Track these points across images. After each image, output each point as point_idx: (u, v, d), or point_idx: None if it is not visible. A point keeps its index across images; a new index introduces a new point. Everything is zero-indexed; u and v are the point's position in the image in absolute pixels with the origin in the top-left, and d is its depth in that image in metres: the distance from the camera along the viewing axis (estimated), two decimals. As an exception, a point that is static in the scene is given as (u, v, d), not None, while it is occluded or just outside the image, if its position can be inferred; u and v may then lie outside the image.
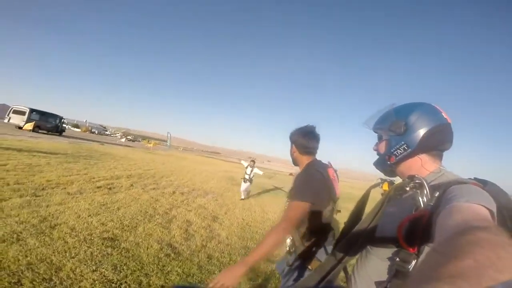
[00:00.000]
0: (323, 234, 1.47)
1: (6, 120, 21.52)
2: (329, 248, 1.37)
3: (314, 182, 1.41)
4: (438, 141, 0.85)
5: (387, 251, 0.77)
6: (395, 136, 0.88)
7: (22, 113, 21.43)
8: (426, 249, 0.68)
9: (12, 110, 21.77)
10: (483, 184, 0.71)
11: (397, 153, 0.88)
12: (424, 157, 0.86)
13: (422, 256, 0.69)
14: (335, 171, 1.61)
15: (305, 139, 1.57)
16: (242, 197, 8.00)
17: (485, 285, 0.26)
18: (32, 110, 21.71)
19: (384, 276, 0.77)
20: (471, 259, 0.29)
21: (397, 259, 0.71)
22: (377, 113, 0.98)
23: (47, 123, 23.18)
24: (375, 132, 1.00)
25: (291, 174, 7.80)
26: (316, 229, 1.44)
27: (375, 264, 0.82)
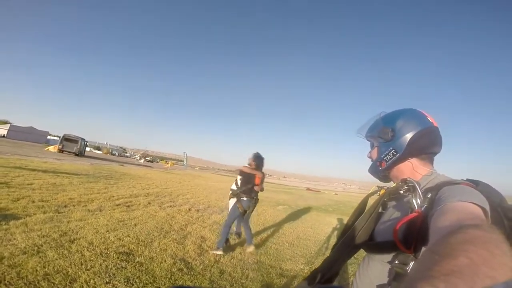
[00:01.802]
0: None
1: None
2: None
3: None
4: (425, 145, 0.87)
5: (387, 255, 0.78)
6: (383, 142, 0.93)
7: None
8: (423, 250, 0.68)
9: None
10: (475, 184, 0.73)
11: (387, 158, 0.91)
12: (414, 161, 0.89)
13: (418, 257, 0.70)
14: None
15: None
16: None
17: (480, 283, 0.26)
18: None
19: (385, 280, 0.78)
20: (465, 257, 0.30)
21: (396, 261, 0.72)
22: (368, 122, 1.03)
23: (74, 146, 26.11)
24: (367, 140, 1.05)
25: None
26: None
27: (376, 268, 0.83)
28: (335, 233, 6.66)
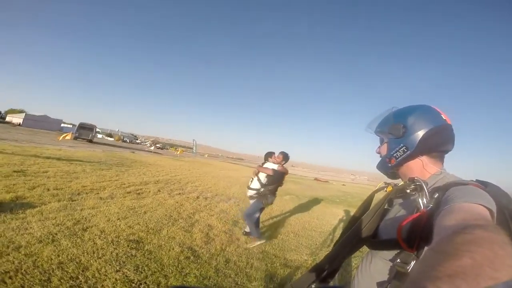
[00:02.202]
0: None
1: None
2: None
3: None
4: (437, 143, 0.85)
5: (390, 253, 0.78)
6: (394, 138, 0.90)
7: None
8: (426, 249, 0.68)
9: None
10: (484, 185, 0.71)
11: (397, 155, 0.89)
12: (424, 159, 0.86)
13: (421, 257, 0.70)
14: None
15: None
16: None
17: (483, 284, 0.26)
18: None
19: (386, 277, 0.78)
20: (469, 258, 0.30)
21: (398, 260, 0.72)
22: (378, 117, 1.01)
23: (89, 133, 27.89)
24: (376, 135, 1.03)
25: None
26: None
27: (378, 265, 0.83)
28: (341, 224, 6.69)
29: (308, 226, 6.00)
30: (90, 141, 27.09)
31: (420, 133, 0.84)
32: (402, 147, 0.87)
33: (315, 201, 10.43)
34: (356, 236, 0.88)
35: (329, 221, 7.03)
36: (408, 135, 0.85)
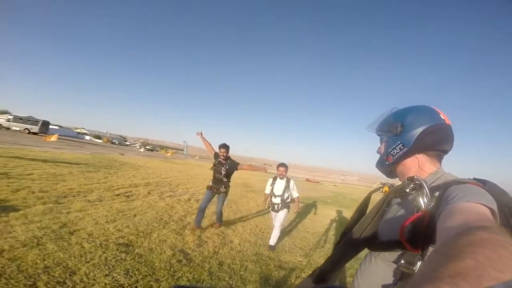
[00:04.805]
0: None
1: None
2: None
3: None
4: (434, 141, 0.85)
5: (392, 254, 0.77)
6: (392, 136, 0.92)
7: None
8: (430, 249, 0.67)
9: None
10: (483, 183, 0.71)
11: (394, 152, 0.91)
12: (421, 158, 0.87)
13: (426, 257, 0.69)
14: None
15: None
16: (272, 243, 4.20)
17: (486, 285, 0.26)
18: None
19: (389, 280, 0.77)
20: (472, 259, 0.29)
21: (402, 261, 0.71)
22: (379, 117, 1.03)
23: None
24: (377, 135, 1.05)
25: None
26: None
27: (381, 267, 0.81)
28: (334, 225, 6.73)
29: (301, 227, 6.01)
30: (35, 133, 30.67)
31: (417, 131, 0.85)
32: (398, 144, 0.88)
33: (307, 202, 10.45)
34: (357, 238, 0.87)
35: (321, 222, 7.06)
36: (405, 133, 0.87)
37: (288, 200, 4.32)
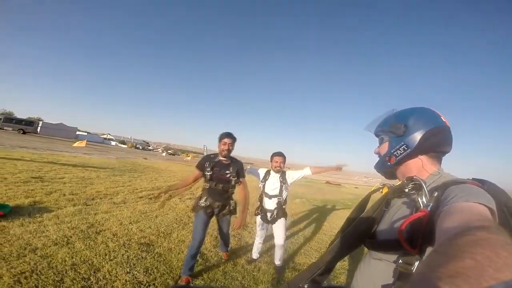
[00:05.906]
0: None
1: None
2: None
3: None
4: (437, 143, 0.86)
5: (392, 254, 0.77)
6: (395, 137, 0.91)
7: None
8: (429, 249, 0.67)
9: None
10: (481, 183, 0.71)
11: (397, 153, 0.90)
12: (423, 159, 0.87)
13: (425, 257, 0.69)
14: None
15: None
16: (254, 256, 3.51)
17: (485, 285, 0.26)
18: None
19: (389, 279, 0.77)
20: (471, 259, 0.30)
21: (401, 261, 0.72)
22: (378, 118, 1.02)
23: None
24: (376, 135, 1.04)
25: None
26: None
27: (379, 267, 0.82)
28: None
29: (318, 229, 5.94)
30: (25, 132, 33.69)
31: (421, 133, 0.85)
32: (402, 145, 0.88)
33: (326, 204, 10.30)
34: (353, 236, 0.89)
35: (339, 224, 6.87)
36: (409, 134, 0.87)
37: (284, 206, 3.24)
